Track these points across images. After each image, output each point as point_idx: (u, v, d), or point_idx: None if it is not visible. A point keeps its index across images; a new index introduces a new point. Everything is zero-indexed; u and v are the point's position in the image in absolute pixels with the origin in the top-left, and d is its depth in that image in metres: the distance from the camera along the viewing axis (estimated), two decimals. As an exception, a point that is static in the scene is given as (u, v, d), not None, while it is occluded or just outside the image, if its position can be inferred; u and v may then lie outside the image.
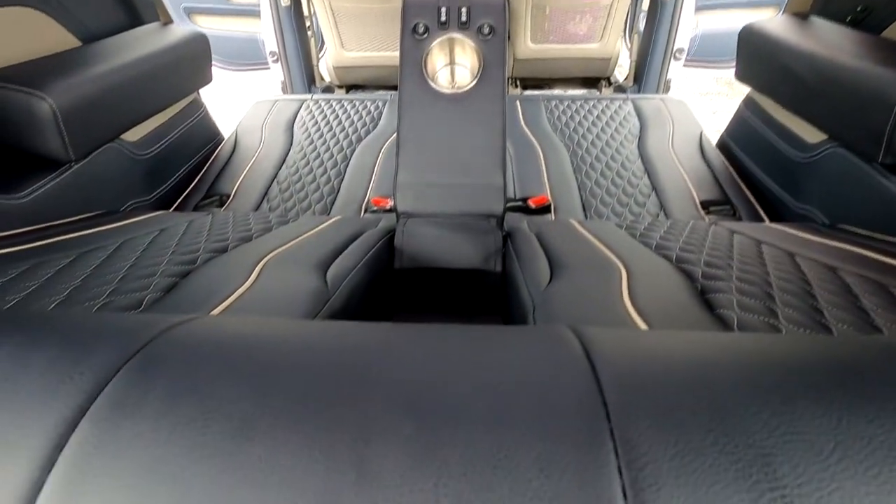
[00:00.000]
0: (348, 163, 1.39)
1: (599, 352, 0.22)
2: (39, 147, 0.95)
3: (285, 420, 0.18)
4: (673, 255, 0.71)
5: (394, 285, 0.87)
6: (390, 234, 0.88)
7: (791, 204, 1.09)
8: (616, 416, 0.19)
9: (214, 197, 1.27)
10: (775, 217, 1.13)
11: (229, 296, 0.54)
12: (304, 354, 0.22)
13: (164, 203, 1.26)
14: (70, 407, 0.20)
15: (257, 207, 1.24)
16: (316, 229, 0.87)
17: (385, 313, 0.86)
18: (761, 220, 1.12)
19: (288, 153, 1.44)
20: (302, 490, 0.17)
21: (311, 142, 1.48)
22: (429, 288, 0.88)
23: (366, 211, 1.22)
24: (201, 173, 1.37)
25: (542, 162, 1.36)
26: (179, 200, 1.28)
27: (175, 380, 0.21)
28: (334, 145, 1.46)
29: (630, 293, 0.56)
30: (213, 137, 1.50)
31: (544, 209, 1.18)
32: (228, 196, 1.28)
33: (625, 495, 0.17)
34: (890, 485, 0.17)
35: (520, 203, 1.21)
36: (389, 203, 1.22)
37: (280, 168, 1.38)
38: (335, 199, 1.26)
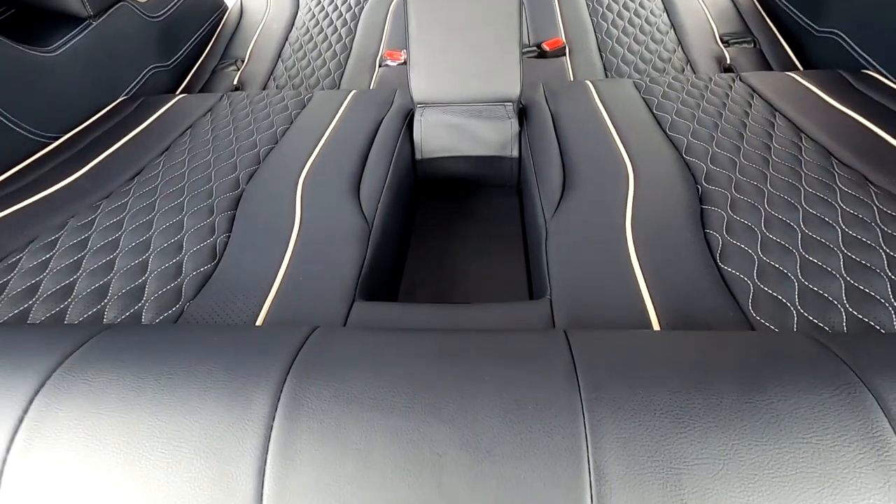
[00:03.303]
0: (358, 21, 1.36)
1: (584, 372, 0.33)
2: (58, 1, 0.96)
3: (392, 459, 0.30)
4: (683, 143, 0.73)
5: (416, 175, 0.89)
6: (408, 119, 0.88)
7: (814, 30, 1.06)
8: (594, 446, 0.29)
9: (230, 60, 1.28)
10: (797, 48, 1.10)
11: (289, 238, 0.62)
12: (394, 399, 0.33)
13: (182, 70, 1.28)
14: (262, 428, 0.32)
15: (272, 70, 1.25)
16: (335, 119, 0.88)
17: (411, 205, 0.89)
18: (783, 51, 1.10)
19: (296, 15, 1.41)
20: (409, 487, 0.29)
21: (319, 2, 1.44)
22: (449, 174, 0.90)
23: (380, 66, 1.22)
24: (213, 39, 1.37)
25: (557, 7, 1.31)
26: (197, 66, 1.29)
27: (313, 425, 0.32)
28: (342, 3, 1.42)
29: (633, 214, 0.61)
30: (220, 5, 1.47)
31: (559, 52, 1.17)
32: (243, 60, 1.29)
33: (591, 492, 0.28)
34: (748, 492, 0.28)
35: (534, 49, 1.20)
36: (402, 55, 1.22)
37: (290, 30, 1.36)
38: (348, 56, 1.26)
